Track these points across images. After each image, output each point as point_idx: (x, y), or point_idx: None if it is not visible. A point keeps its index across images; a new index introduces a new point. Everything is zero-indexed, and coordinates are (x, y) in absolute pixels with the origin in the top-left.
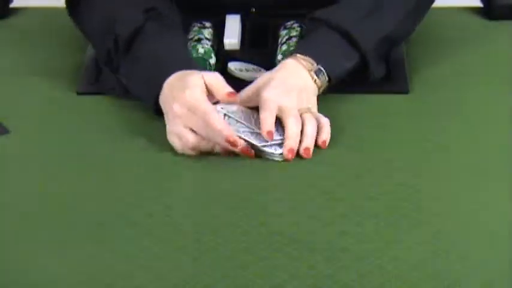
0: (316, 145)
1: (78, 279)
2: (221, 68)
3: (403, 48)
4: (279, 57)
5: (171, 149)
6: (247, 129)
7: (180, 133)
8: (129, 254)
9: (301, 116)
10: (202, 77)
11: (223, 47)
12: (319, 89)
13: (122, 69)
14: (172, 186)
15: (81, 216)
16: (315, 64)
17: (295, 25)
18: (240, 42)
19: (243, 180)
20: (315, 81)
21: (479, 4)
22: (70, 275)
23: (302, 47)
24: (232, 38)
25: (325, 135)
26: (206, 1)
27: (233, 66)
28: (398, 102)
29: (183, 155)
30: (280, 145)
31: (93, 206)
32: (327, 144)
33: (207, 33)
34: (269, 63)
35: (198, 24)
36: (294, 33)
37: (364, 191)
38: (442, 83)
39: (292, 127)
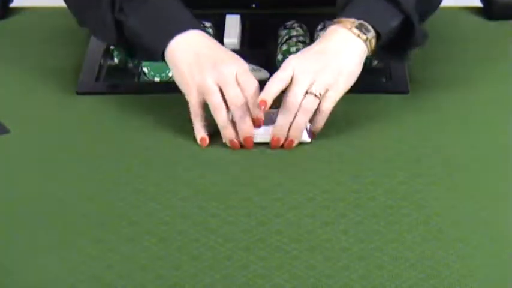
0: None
1: (78, 279)
2: None
3: None
4: (279, 57)
5: (171, 149)
6: None
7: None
8: (129, 254)
9: (305, 93)
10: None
11: None
12: (365, 42)
13: (130, 20)
14: (173, 186)
15: (81, 216)
16: (356, 20)
17: (295, 25)
18: (239, 42)
19: (242, 180)
20: (358, 35)
21: (479, 4)
22: (70, 275)
23: (343, 13)
24: (232, 37)
25: (316, 125)
26: None
27: None
28: (399, 102)
29: (182, 155)
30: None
31: (93, 206)
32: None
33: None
34: (269, 63)
35: None
36: (294, 33)
37: (364, 191)
38: (442, 83)
39: (281, 118)
